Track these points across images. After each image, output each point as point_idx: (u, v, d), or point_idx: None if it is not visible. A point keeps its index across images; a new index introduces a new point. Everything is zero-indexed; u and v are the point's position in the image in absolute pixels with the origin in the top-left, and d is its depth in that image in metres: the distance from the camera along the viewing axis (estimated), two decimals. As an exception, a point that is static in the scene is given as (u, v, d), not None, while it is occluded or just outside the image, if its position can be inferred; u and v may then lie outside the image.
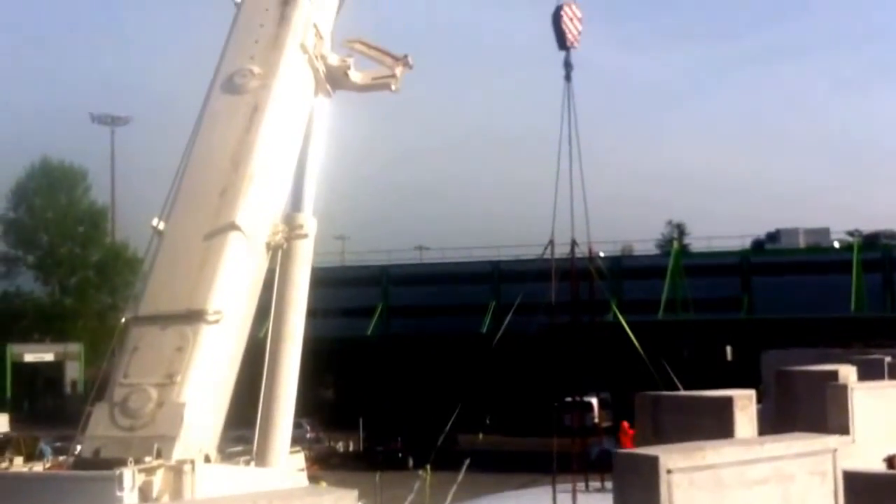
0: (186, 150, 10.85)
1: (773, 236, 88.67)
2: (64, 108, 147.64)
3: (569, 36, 29.10)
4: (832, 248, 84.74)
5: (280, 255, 11.31)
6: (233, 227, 10.21)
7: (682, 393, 16.38)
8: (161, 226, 10.54)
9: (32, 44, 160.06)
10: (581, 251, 30.48)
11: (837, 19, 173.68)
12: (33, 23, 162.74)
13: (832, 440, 8.24)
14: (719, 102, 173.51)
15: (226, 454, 11.39)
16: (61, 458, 13.28)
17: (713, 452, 7.32)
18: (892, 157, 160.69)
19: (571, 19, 29.18)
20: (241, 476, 10.75)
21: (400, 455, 52.65)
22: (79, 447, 10.50)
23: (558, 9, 29.41)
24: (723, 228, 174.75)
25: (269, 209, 10.91)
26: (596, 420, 54.96)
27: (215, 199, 10.42)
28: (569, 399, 41.55)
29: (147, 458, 9.39)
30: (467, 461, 30.09)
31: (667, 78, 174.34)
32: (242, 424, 11.80)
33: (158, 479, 9.33)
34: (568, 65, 29.24)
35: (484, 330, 74.61)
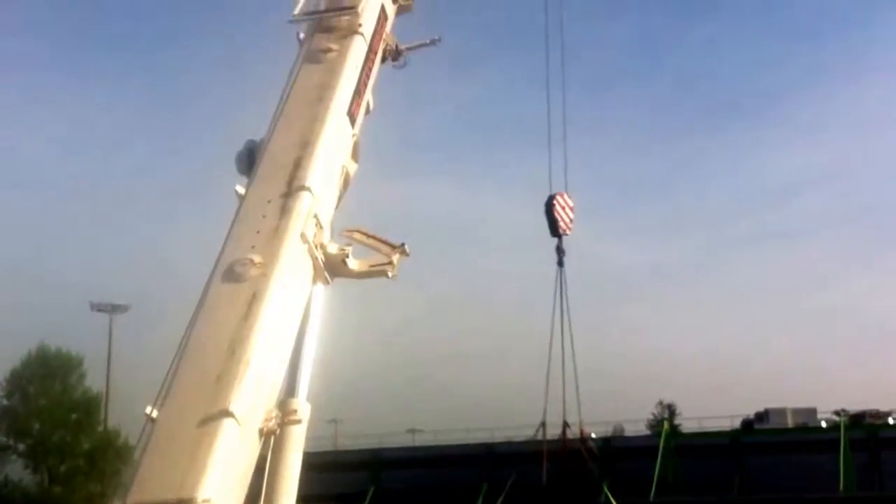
0: (184, 336, 10.95)
1: (762, 416, 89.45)
2: (64, 296, 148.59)
3: (561, 224, 29.85)
4: (820, 427, 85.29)
5: (272, 441, 11.33)
6: (226, 413, 10.20)
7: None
8: (154, 413, 10.57)
9: (33, 237, 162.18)
10: (573, 432, 30.46)
11: (821, 204, 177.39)
12: (34, 215, 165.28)
13: None
14: (706, 284, 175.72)
15: None
16: None
17: None
18: (877, 338, 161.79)
19: (563, 208, 29.95)
20: None
21: None
22: None
23: (551, 198, 30.23)
24: (713, 408, 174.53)
25: (263, 395, 10.95)
26: None
27: (210, 386, 10.43)
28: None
29: None
30: None
31: (656, 262, 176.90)
32: None
33: None
34: (560, 251, 29.85)
35: (477, 513, 73.88)
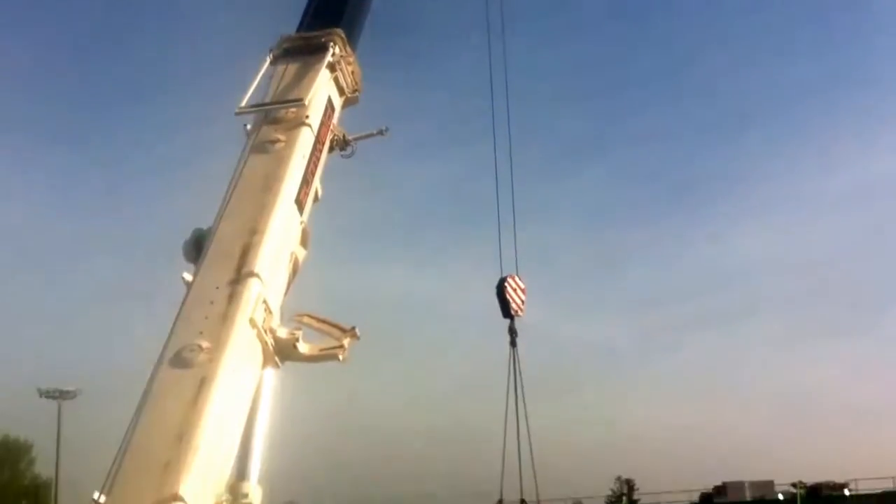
0: (131, 423, 10.89)
1: (721, 489, 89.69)
2: (10, 382, 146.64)
3: (513, 305, 29.80)
4: (777, 500, 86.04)
5: (225, 524, 11.25)
6: (176, 498, 10.19)
7: None
8: (102, 499, 10.47)
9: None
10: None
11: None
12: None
13: None
14: (663, 362, 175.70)
15: None
16: None
17: None
18: (833, 412, 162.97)
19: (515, 290, 30.03)
20: None
21: None
22: None
23: (502, 280, 30.30)
24: (671, 482, 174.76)
25: (213, 480, 10.93)
26: None
27: (159, 472, 10.37)
28: None
29: None
30: None
31: (612, 339, 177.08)
32: None
33: None
34: (512, 331, 29.82)
35: None
